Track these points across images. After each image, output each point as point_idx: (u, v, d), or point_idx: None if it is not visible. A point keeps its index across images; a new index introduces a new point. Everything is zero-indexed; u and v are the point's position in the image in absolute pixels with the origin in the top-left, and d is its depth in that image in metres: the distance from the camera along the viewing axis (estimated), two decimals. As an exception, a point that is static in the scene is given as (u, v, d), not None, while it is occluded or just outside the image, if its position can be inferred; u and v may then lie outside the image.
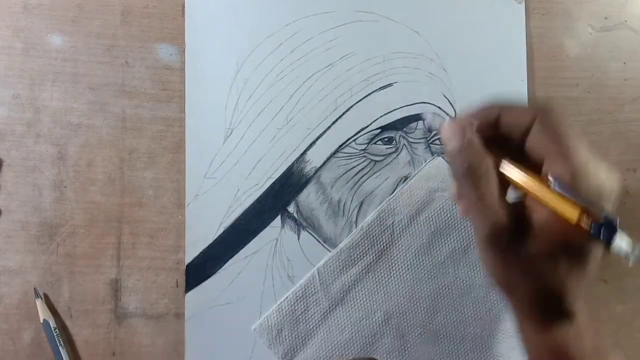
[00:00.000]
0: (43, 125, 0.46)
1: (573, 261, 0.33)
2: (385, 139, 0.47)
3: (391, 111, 0.47)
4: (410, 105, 0.47)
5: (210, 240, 0.45)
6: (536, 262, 0.33)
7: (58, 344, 0.43)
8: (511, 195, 0.34)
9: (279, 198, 0.46)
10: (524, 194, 0.34)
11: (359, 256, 0.46)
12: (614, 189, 0.33)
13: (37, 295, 0.44)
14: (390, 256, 0.46)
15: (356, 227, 0.46)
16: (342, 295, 0.46)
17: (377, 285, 0.46)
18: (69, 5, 0.46)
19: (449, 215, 0.46)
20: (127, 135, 0.46)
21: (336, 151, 0.46)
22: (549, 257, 0.33)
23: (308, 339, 0.46)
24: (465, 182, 0.33)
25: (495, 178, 0.33)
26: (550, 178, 0.31)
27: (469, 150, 0.33)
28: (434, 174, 0.46)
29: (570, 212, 0.31)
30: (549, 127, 0.32)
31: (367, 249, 0.46)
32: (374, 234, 0.46)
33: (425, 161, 0.47)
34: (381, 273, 0.46)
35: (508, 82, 0.48)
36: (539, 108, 0.33)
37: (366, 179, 0.46)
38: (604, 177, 0.32)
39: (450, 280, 0.46)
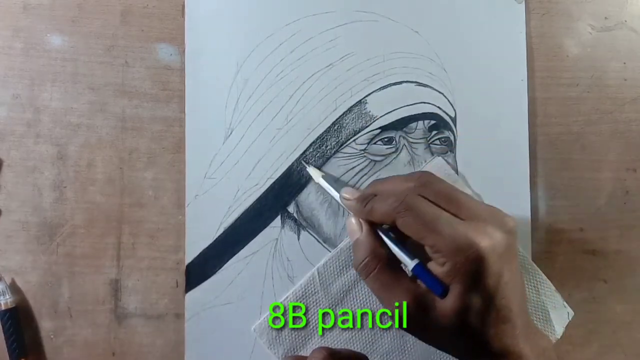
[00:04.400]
0: (43, 125, 0.46)
1: (483, 316, 0.35)
2: (385, 139, 0.47)
3: (391, 111, 0.47)
4: (410, 105, 0.47)
5: (210, 240, 0.45)
6: (449, 329, 0.35)
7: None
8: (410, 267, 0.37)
9: (279, 198, 0.46)
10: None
11: (359, 256, 0.46)
12: (493, 243, 0.35)
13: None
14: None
15: (356, 227, 0.46)
16: (342, 295, 0.46)
17: (377, 285, 0.46)
18: (69, 5, 0.46)
19: (449, 215, 0.46)
20: (127, 135, 0.46)
21: (336, 151, 0.46)
22: (458, 323, 0.35)
23: (308, 339, 0.46)
24: (365, 278, 0.38)
25: (385, 275, 0.37)
26: (410, 267, 0.37)
27: (363, 248, 0.39)
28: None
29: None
30: (407, 225, 0.36)
31: (367, 249, 0.46)
32: (374, 234, 0.46)
33: (425, 161, 0.47)
34: (381, 273, 0.46)
35: (508, 82, 0.48)
36: (397, 205, 0.36)
37: (366, 179, 0.46)
38: (476, 241, 0.34)
39: (450, 280, 0.46)
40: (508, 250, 0.35)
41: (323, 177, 0.44)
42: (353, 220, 0.40)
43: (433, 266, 0.36)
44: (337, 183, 0.45)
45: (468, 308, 0.34)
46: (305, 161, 0.45)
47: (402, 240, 0.38)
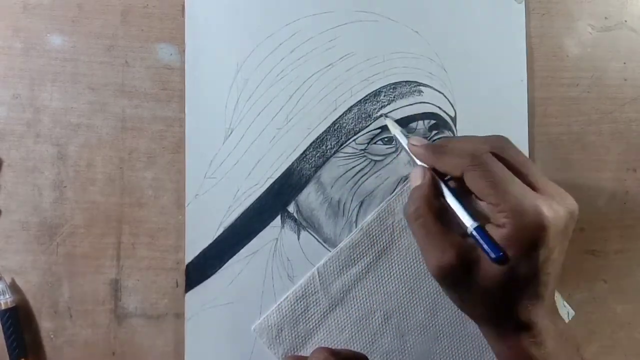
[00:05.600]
0: (43, 125, 0.46)
1: (522, 285, 0.35)
2: (385, 139, 0.47)
3: (391, 111, 0.47)
4: (410, 105, 0.47)
5: (210, 240, 0.45)
6: (486, 292, 0.36)
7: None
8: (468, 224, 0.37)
9: (279, 198, 0.46)
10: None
11: (359, 256, 0.46)
12: (557, 217, 0.35)
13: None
14: (390, 256, 0.46)
15: (356, 227, 0.46)
16: (342, 295, 0.46)
17: (377, 285, 0.46)
18: (69, 5, 0.46)
19: (449, 215, 0.46)
20: (127, 135, 0.46)
21: (336, 151, 0.46)
22: (497, 287, 0.35)
23: (308, 339, 0.46)
24: (413, 223, 0.38)
25: (435, 225, 0.37)
26: (470, 228, 0.36)
27: (419, 194, 0.38)
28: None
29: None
30: (476, 180, 0.36)
31: (367, 249, 0.46)
32: (374, 234, 0.46)
33: (425, 161, 0.47)
34: (381, 273, 0.46)
35: (508, 82, 0.48)
36: (470, 160, 0.36)
37: (366, 179, 0.46)
38: (542, 210, 0.34)
39: (450, 280, 0.46)
40: (566, 230, 0.35)
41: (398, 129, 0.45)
42: (419, 168, 0.40)
43: (490, 228, 0.36)
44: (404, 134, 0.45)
45: (514, 275, 0.34)
46: (385, 115, 0.46)
47: (464, 203, 0.38)
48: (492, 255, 0.34)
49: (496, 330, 0.38)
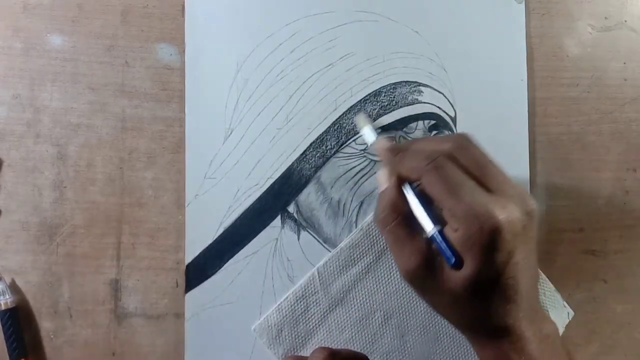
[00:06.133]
0: (43, 125, 0.46)
1: (488, 290, 0.35)
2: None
3: (391, 111, 0.47)
4: (410, 105, 0.47)
5: (210, 240, 0.45)
6: (455, 297, 0.35)
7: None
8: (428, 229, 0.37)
9: (279, 198, 0.46)
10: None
11: (359, 256, 0.46)
12: (511, 219, 0.34)
13: None
14: (391, 256, 0.46)
15: (356, 227, 0.46)
16: (342, 295, 0.46)
17: (377, 285, 0.46)
18: (69, 5, 0.46)
19: (449, 215, 0.46)
20: (127, 135, 0.46)
21: (336, 151, 0.46)
22: (463, 292, 0.35)
23: (308, 339, 0.46)
24: (382, 230, 0.38)
25: (403, 230, 0.37)
26: (428, 233, 0.36)
27: (386, 200, 0.38)
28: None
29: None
30: (431, 184, 0.36)
31: (367, 249, 0.46)
32: (374, 234, 0.46)
33: (425, 161, 0.47)
34: (381, 273, 0.46)
35: (508, 82, 0.48)
36: (425, 163, 0.36)
37: (366, 179, 0.46)
38: (494, 212, 0.34)
39: (450, 280, 0.46)
40: (524, 232, 0.35)
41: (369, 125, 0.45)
42: (384, 171, 0.39)
43: (447, 231, 0.35)
44: (378, 133, 0.45)
45: (475, 280, 0.34)
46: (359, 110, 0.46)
47: (427, 205, 0.37)
48: (450, 262, 0.34)
49: (476, 336, 0.38)
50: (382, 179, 0.39)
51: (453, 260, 0.34)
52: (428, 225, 0.36)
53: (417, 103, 0.47)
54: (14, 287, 0.45)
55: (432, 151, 0.36)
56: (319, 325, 0.46)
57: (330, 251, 0.46)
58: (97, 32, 0.46)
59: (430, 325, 0.46)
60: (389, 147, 0.40)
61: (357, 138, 0.46)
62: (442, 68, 0.47)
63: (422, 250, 0.36)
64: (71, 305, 0.45)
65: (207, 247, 0.45)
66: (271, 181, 0.46)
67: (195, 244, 0.45)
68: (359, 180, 0.46)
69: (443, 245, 0.35)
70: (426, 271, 0.36)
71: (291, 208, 0.46)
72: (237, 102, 0.46)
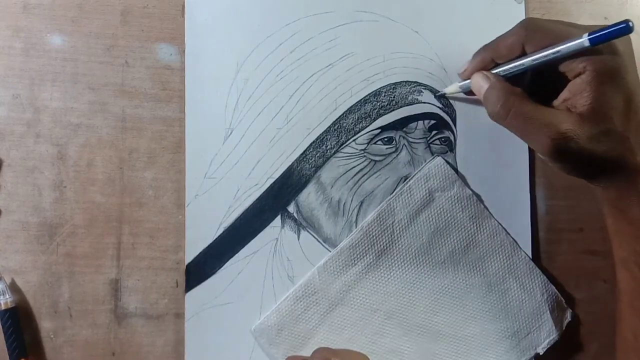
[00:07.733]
0: (43, 125, 0.46)
1: (626, 119, 0.36)
2: (385, 139, 0.47)
3: (391, 111, 0.47)
4: (410, 105, 0.47)
5: (210, 240, 0.45)
6: (591, 144, 0.36)
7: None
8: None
9: (279, 198, 0.46)
10: None
11: (359, 256, 0.46)
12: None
13: None
14: (390, 256, 0.46)
15: (356, 227, 0.46)
16: (342, 295, 0.46)
17: (377, 285, 0.46)
18: (69, 5, 0.46)
19: (448, 215, 0.46)
20: (127, 135, 0.46)
21: (336, 151, 0.46)
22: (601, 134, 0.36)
23: (308, 339, 0.45)
24: (505, 119, 0.38)
25: (530, 104, 0.37)
26: (584, 40, 0.35)
27: (497, 92, 0.39)
28: (434, 174, 0.46)
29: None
30: (538, 40, 0.37)
31: (367, 249, 0.46)
32: (374, 234, 0.46)
33: (425, 161, 0.47)
34: (381, 273, 0.46)
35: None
36: (524, 28, 0.39)
37: (366, 179, 0.46)
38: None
39: (450, 280, 0.46)
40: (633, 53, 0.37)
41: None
42: (478, 75, 0.41)
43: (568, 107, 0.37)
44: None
45: (611, 108, 0.35)
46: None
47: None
48: (622, 26, 0.34)
49: (617, 192, 0.38)
50: (480, 82, 0.41)
51: (625, 24, 0.34)
52: (576, 41, 0.35)
53: (417, 103, 0.47)
54: (14, 287, 0.45)
55: (519, 25, 0.39)
56: (319, 326, 0.46)
57: (330, 251, 0.46)
58: (97, 32, 0.46)
59: (430, 325, 0.46)
60: (472, 59, 0.43)
61: (357, 138, 0.46)
62: (442, 68, 0.47)
63: (557, 113, 0.36)
64: (71, 305, 0.45)
65: (207, 247, 0.45)
66: (271, 181, 0.46)
67: (195, 244, 0.45)
68: (359, 180, 0.46)
69: (607, 30, 0.34)
70: (572, 127, 0.36)
71: (291, 208, 0.46)
72: (237, 102, 0.46)
